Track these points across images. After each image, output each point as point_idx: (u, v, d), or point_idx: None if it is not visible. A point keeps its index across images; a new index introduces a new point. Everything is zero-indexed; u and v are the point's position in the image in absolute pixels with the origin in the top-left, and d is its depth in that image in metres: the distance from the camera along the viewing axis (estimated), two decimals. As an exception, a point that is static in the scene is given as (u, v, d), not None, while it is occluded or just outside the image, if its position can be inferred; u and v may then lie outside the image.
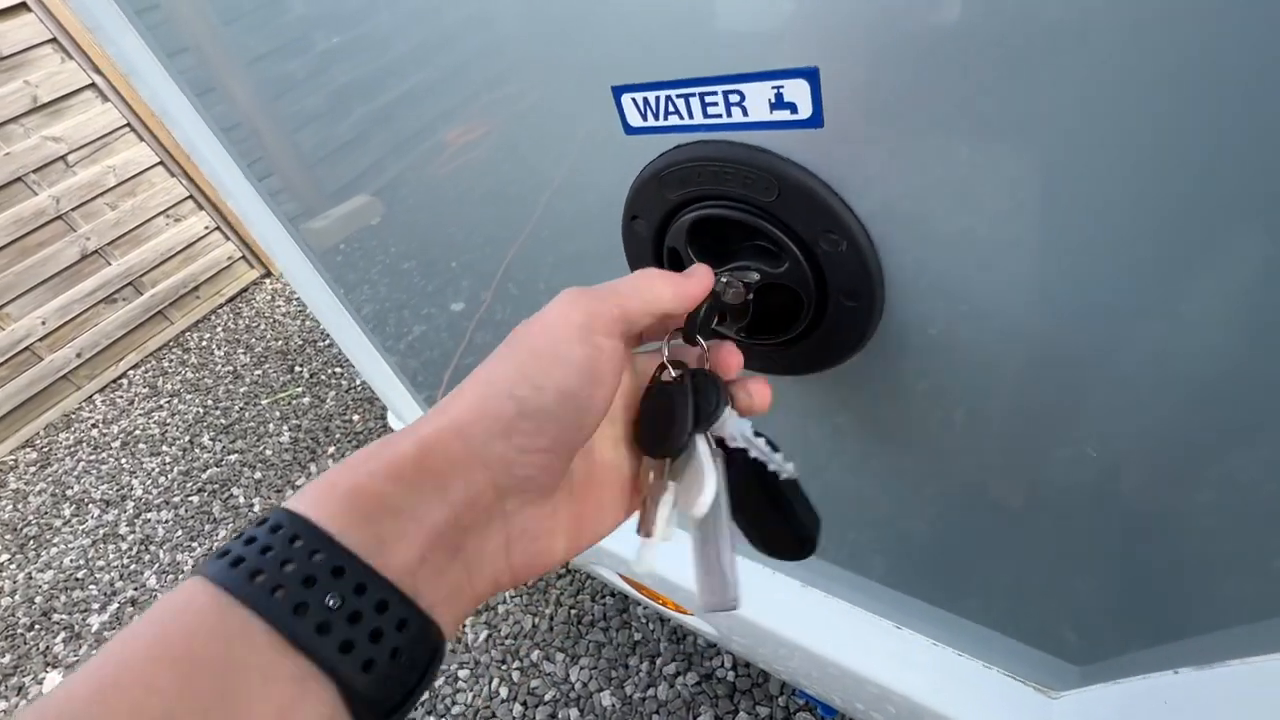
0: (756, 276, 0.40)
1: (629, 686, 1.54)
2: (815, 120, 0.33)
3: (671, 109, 0.38)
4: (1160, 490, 0.40)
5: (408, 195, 0.71)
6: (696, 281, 0.34)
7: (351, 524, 0.25)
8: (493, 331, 0.81)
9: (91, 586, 2.28)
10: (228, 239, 3.75)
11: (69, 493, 2.76)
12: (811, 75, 0.31)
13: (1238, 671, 0.43)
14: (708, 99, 0.36)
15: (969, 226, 0.33)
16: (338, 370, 2.94)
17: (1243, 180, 0.26)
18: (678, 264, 0.46)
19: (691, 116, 0.37)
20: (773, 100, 0.34)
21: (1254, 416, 0.33)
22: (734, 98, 0.35)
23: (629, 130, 0.41)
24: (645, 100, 0.38)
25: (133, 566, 2.32)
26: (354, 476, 0.26)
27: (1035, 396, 0.40)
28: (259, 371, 3.12)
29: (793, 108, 0.33)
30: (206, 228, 3.65)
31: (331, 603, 0.23)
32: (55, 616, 2.21)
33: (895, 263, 0.37)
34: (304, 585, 0.23)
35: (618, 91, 0.39)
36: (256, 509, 2.39)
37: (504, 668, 1.66)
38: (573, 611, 1.73)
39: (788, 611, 0.77)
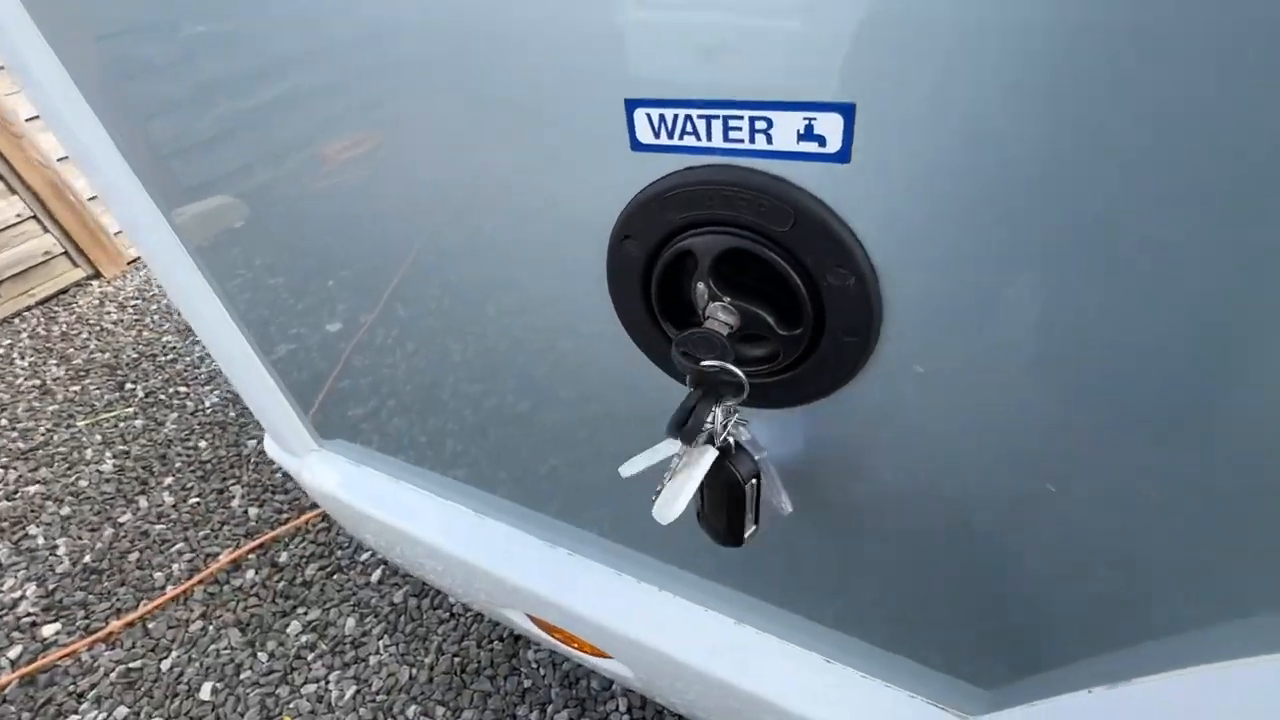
0: (735, 323, 0.42)
1: (518, 739, 1.44)
2: (843, 155, 0.34)
3: (689, 129, 0.37)
4: (1066, 512, 0.44)
5: (286, 196, 0.63)
6: None
7: None
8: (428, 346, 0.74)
9: None
10: (46, 230, 3.20)
11: None
12: (847, 110, 0.32)
13: (1148, 688, 0.47)
14: (731, 122, 0.35)
15: (980, 275, 0.35)
16: (182, 390, 2.57)
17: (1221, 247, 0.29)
18: (667, 290, 0.45)
19: (710, 139, 0.37)
20: (801, 131, 0.34)
21: (1168, 438, 0.36)
22: (760, 124, 0.35)
23: (636, 146, 0.39)
24: (661, 117, 0.37)
25: (-127, 627, 1.82)
26: None
27: (987, 436, 0.43)
28: (77, 388, 2.65)
29: (821, 140, 0.34)
30: (19, 215, 3.09)
31: None
32: None
33: (895, 302, 0.38)
34: None
35: (631, 105, 0.38)
36: (61, 551, 1.99)
37: (375, 728, 1.49)
38: (456, 660, 1.60)
39: (726, 647, 0.76)
